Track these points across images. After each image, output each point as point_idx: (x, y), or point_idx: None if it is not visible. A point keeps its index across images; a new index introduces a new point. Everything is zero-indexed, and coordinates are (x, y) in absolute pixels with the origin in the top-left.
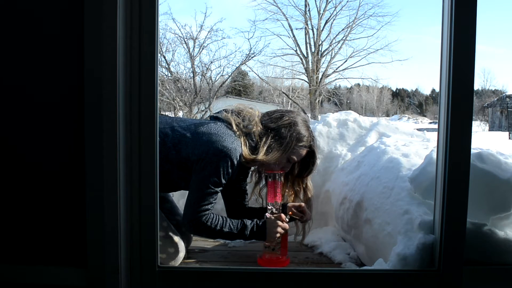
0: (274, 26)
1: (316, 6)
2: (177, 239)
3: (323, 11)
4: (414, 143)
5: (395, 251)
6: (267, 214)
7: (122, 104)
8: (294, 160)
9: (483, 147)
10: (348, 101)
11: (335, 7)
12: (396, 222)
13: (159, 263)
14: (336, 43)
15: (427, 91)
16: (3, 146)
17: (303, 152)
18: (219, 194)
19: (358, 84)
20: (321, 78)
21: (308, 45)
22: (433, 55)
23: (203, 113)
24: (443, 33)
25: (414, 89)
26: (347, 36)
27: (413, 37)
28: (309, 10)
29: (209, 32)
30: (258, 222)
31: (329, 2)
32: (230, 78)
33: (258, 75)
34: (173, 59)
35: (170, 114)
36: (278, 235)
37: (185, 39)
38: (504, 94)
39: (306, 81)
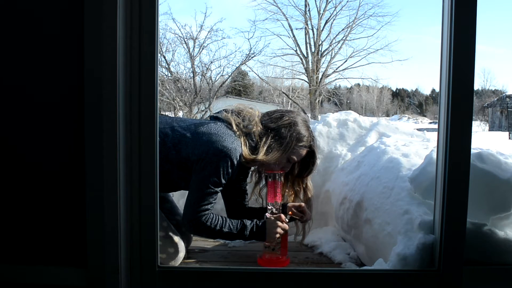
0: (274, 26)
1: (316, 6)
2: (177, 239)
3: (323, 11)
4: (414, 143)
5: (395, 251)
6: (267, 214)
7: (122, 104)
8: (294, 160)
9: (483, 147)
10: (348, 101)
11: (335, 7)
12: (396, 222)
13: (159, 263)
14: (336, 43)
15: (427, 91)
16: (3, 146)
17: (303, 152)
18: (219, 194)
19: (358, 84)
20: (321, 78)
21: (308, 45)
22: (433, 55)
23: (203, 113)
24: (443, 33)
25: (414, 89)
26: (347, 36)
27: (413, 37)
28: (309, 10)
29: (209, 32)
30: (257, 222)
31: (329, 2)
32: (230, 78)
33: (258, 75)
34: (173, 59)
35: (170, 114)
36: (277, 235)
37: (185, 39)
38: (504, 94)
39: (306, 81)
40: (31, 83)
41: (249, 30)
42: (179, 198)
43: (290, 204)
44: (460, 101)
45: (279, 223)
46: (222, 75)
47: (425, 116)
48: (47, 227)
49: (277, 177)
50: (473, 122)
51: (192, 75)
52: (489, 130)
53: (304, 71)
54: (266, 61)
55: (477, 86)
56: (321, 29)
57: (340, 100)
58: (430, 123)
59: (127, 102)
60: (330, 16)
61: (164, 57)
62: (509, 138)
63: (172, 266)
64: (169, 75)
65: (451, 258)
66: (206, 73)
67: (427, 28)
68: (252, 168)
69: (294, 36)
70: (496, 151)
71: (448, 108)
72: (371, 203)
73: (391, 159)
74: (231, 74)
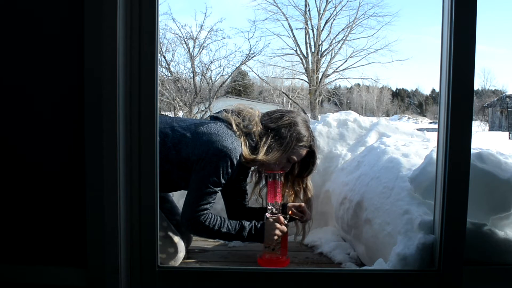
0: (274, 26)
1: (316, 6)
2: (177, 239)
3: (323, 11)
4: (414, 143)
5: (395, 251)
6: (267, 214)
7: (122, 104)
8: (294, 160)
9: (483, 147)
10: (348, 101)
11: (335, 7)
12: (396, 222)
13: (159, 263)
14: (336, 43)
15: (427, 91)
16: (3, 146)
17: (303, 152)
18: (219, 194)
19: (358, 84)
20: (321, 78)
21: (308, 45)
22: (433, 55)
23: (203, 113)
24: (443, 33)
25: (414, 89)
26: (347, 36)
27: (413, 37)
28: (309, 10)
29: (209, 32)
30: (256, 224)
31: (329, 2)
32: (230, 78)
33: (258, 75)
34: (173, 59)
35: (170, 114)
36: (276, 237)
37: (185, 39)
38: (504, 94)
39: (306, 81)
40: (31, 83)
41: (249, 30)
42: (179, 198)
43: (290, 204)
44: (460, 101)
45: (278, 225)
46: (222, 75)
47: (425, 116)
48: (47, 227)
49: (277, 177)
50: (473, 122)
51: (192, 75)
52: (489, 130)
53: (304, 71)
54: (266, 61)
55: (477, 86)
56: (321, 29)
57: (340, 100)
58: (430, 123)
59: (127, 102)
60: (330, 16)
61: (164, 57)
62: (509, 138)
63: (172, 266)
64: (169, 75)
65: (451, 258)
66: (206, 73)
67: (427, 28)
68: (252, 168)
69: (294, 36)
70: (496, 151)
71: (448, 108)
72: (371, 203)
73: (391, 159)
74: (231, 74)
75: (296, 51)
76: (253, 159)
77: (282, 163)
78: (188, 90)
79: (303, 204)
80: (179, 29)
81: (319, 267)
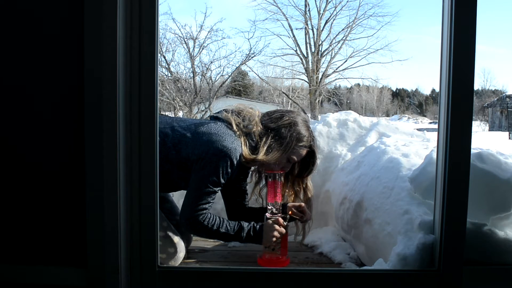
0: (274, 26)
1: (316, 6)
2: (177, 239)
3: (323, 11)
4: (414, 143)
5: (395, 251)
6: (267, 214)
7: (122, 104)
8: (294, 160)
9: (483, 147)
10: (348, 101)
11: (335, 7)
12: (396, 222)
13: (159, 263)
14: (336, 43)
15: (427, 91)
16: (3, 146)
17: (303, 152)
18: (219, 194)
19: (358, 84)
20: (321, 78)
21: (308, 45)
22: (433, 55)
23: (203, 113)
24: (443, 33)
25: (414, 89)
26: (347, 36)
27: (413, 37)
28: (309, 10)
29: (209, 32)
30: (255, 225)
31: (329, 2)
32: (230, 78)
33: (258, 75)
34: (173, 59)
35: (170, 114)
36: (274, 239)
37: (185, 39)
38: (504, 94)
39: (306, 81)
40: (31, 83)
41: (249, 30)
42: (179, 198)
43: (290, 204)
44: (460, 101)
45: (276, 227)
46: (222, 75)
47: (425, 116)
48: (47, 227)
49: (277, 177)
50: (473, 122)
51: (192, 75)
52: (489, 130)
53: (304, 71)
54: (266, 61)
55: (477, 86)
56: (321, 29)
57: (340, 100)
58: (430, 123)
59: (127, 102)
60: (330, 16)
61: (164, 57)
62: (509, 138)
63: (172, 266)
64: (169, 75)
65: (451, 258)
66: (206, 73)
67: (427, 28)
68: (252, 168)
69: (294, 36)
70: (496, 151)
71: (448, 108)
72: (371, 203)
73: (391, 159)
74: (231, 74)
75: (296, 51)
76: (253, 159)
77: (282, 163)
78: (188, 90)
79: (303, 204)
80: (179, 29)
81: (319, 267)
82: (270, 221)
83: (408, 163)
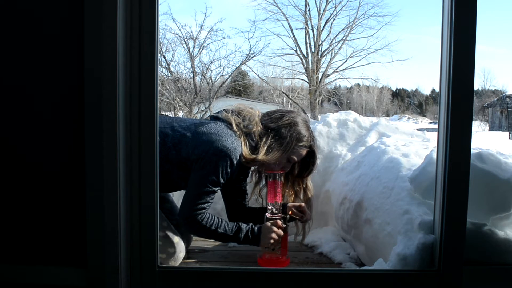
0: (274, 26)
1: (316, 6)
2: (177, 239)
3: (323, 11)
4: (414, 143)
5: (395, 251)
6: (267, 214)
7: (122, 104)
8: (294, 160)
9: (483, 147)
10: (348, 101)
11: (335, 7)
12: (396, 222)
13: (159, 263)
14: (336, 43)
15: (427, 91)
16: (3, 146)
17: (303, 152)
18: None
19: (358, 84)
20: (321, 78)
21: (308, 45)
22: (433, 55)
23: (203, 113)
24: (443, 33)
25: (414, 89)
26: (347, 36)
27: (413, 37)
28: (309, 10)
29: (209, 32)
30: (253, 226)
31: (329, 2)
32: (230, 78)
33: (258, 75)
34: (173, 59)
35: (170, 114)
36: (272, 241)
37: (185, 39)
38: (504, 94)
39: (306, 81)
40: (31, 83)
41: (249, 30)
42: (179, 198)
43: (290, 204)
44: (460, 101)
45: (275, 229)
46: (222, 75)
47: (425, 116)
48: (47, 227)
49: (277, 177)
50: (473, 122)
51: (192, 75)
52: (489, 130)
53: (304, 71)
54: (266, 61)
55: (477, 86)
56: (321, 29)
57: (340, 100)
58: (430, 123)
59: (127, 102)
60: (330, 16)
61: (164, 57)
62: (509, 138)
63: (172, 266)
64: (169, 75)
65: (451, 258)
66: (206, 73)
67: (427, 28)
68: (252, 168)
69: (294, 36)
70: (496, 151)
71: (448, 108)
72: (371, 203)
73: (391, 159)
74: (231, 74)
75: (296, 51)
76: (253, 159)
77: (282, 163)
78: (188, 90)
79: (303, 204)
80: (179, 29)
81: (319, 267)
82: (268, 223)
83: (408, 163)
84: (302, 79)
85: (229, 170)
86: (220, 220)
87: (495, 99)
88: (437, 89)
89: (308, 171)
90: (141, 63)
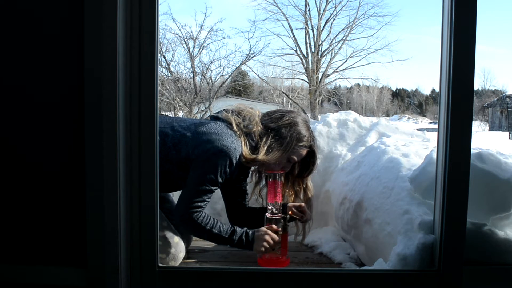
0: (274, 26)
1: (316, 6)
2: (177, 239)
3: (323, 11)
4: (414, 143)
5: (395, 251)
6: (267, 214)
7: (122, 104)
8: (294, 160)
9: (483, 147)
10: (348, 101)
11: (335, 7)
12: (396, 222)
13: (159, 263)
14: (336, 43)
15: (427, 91)
16: (3, 146)
17: (303, 152)
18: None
19: (358, 84)
20: (321, 78)
21: (308, 45)
22: (433, 55)
23: (203, 113)
24: (443, 33)
25: (414, 89)
26: (347, 36)
27: (413, 37)
28: (309, 10)
29: (209, 32)
30: (248, 231)
31: (329, 2)
32: (230, 78)
33: (258, 75)
34: (173, 59)
35: (170, 114)
36: (263, 248)
37: (185, 39)
38: (504, 94)
39: (306, 81)
40: (31, 83)
41: (249, 30)
42: None
43: (290, 204)
44: (460, 101)
45: (269, 236)
46: (222, 75)
47: (425, 116)
48: (47, 227)
49: (277, 177)
50: (473, 122)
51: (192, 75)
52: (489, 130)
53: (304, 71)
54: (266, 61)
55: (477, 86)
56: (321, 29)
57: (340, 100)
58: (430, 123)
59: (127, 102)
60: (330, 16)
61: (164, 57)
62: (509, 138)
63: (172, 266)
64: (169, 75)
65: (451, 258)
66: (206, 73)
67: (427, 28)
68: (252, 168)
69: (294, 36)
70: (496, 151)
71: (448, 108)
72: (371, 203)
73: (391, 159)
74: (231, 74)
75: (296, 51)
76: (253, 159)
77: (282, 163)
78: (188, 90)
79: (303, 204)
80: (179, 29)
81: (319, 267)
82: (264, 228)
83: (408, 163)
84: (302, 79)
85: (228, 169)
86: (215, 220)
87: (495, 99)
88: (437, 89)
89: (308, 171)
90: (141, 63)
